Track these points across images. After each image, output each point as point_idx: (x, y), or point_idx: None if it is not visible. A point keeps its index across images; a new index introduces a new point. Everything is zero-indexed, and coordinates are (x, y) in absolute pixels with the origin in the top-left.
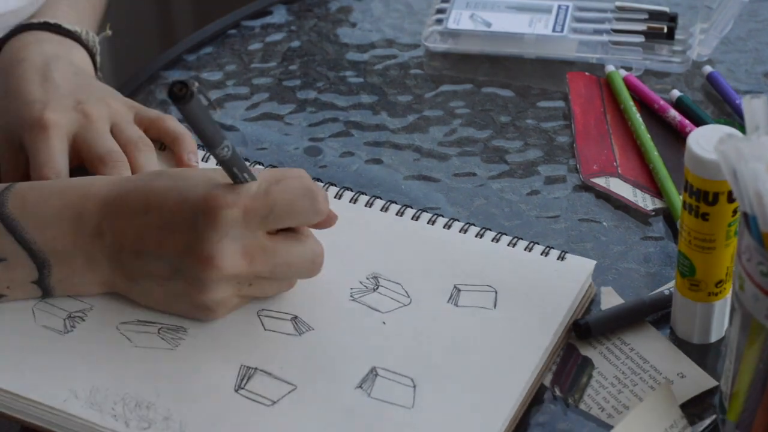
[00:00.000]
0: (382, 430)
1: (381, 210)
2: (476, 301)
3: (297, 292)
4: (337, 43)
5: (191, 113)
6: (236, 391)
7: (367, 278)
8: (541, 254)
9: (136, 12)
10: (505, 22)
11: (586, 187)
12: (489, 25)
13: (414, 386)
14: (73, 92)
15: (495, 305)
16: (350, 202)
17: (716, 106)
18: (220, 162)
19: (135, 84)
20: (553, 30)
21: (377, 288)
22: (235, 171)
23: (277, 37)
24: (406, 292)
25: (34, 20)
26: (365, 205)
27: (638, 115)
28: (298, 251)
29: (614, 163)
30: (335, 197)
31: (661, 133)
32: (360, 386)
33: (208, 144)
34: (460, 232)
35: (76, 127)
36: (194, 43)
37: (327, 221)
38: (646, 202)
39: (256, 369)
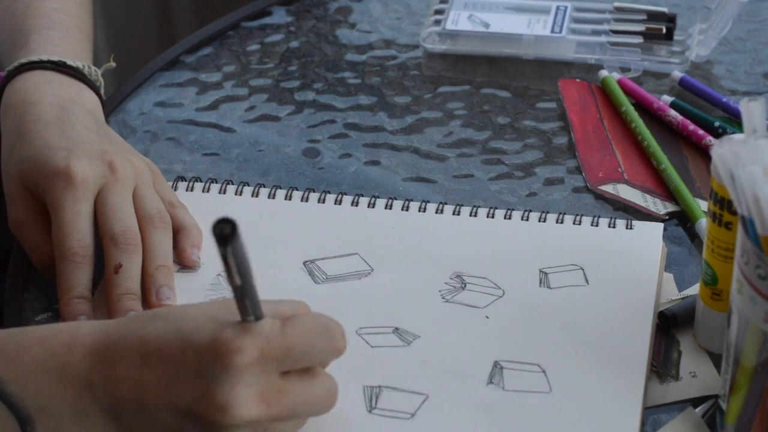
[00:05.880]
0: (530, 418)
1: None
2: (567, 280)
3: (387, 303)
4: (336, 44)
5: (235, 251)
6: (370, 412)
7: (451, 278)
8: (609, 226)
9: (136, 12)
10: (503, 22)
11: (585, 189)
12: (487, 25)
13: (544, 371)
14: (97, 141)
15: (587, 281)
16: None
17: (716, 105)
18: (236, 292)
19: (134, 85)
20: (552, 31)
21: (465, 286)
22: (248, 306)
23: (276, 38)
24: (496, 284)
25: (34, 57)
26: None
27: (641, 120)
28: (315, 388)
29: (619, 169)
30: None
31: (660, 133)
32: (491, 382)
33: (239, 275)
34: (522, 220)
35: (101, 182)
36: (193, 44)
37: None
38: (657, 206)
39: (380, 387)
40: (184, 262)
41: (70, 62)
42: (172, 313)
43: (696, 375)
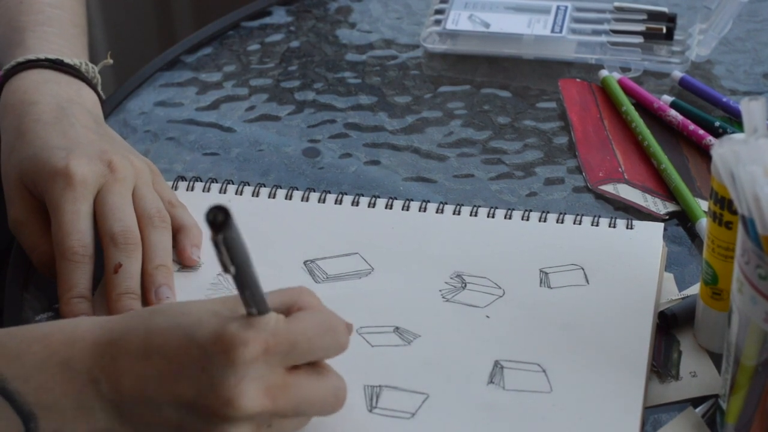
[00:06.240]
0: (530, 417)
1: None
2: (567, 280)
3: (388, 302)
4: (336, 43)
5: (228, 239)
6: (370, 411)
7: (452, 278)
8: (609, 226)
9: (136, 12)
10: (503, 22)
11: (585, 189)
12: (487, 25)
13: (544, 371)
14: (96, 141)
15: (587, 281)
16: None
17: (716, 105)
18: (239, 285)
19: (134, 84)
20: (552, 31)
21: (465, 286)
22: (248, 298)
23: (276, 37)
24: (496, 284)
25: (32, 56)
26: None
27: (641, 120)
28: (321, 386)
29: (619, 169)
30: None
31: (660, 133)
32: (491, 381)
33: (233, 264)
34: (522, 219)
35: (101, 182)
36: (193, 44)
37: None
38: (657, 206)
39: (381, 386)
40: (184, 262)
41: (67, 60)
42: (172, 308)
43: (696, 375)
